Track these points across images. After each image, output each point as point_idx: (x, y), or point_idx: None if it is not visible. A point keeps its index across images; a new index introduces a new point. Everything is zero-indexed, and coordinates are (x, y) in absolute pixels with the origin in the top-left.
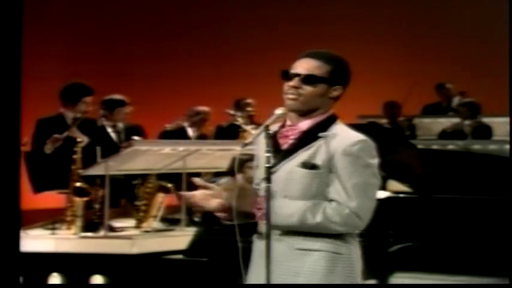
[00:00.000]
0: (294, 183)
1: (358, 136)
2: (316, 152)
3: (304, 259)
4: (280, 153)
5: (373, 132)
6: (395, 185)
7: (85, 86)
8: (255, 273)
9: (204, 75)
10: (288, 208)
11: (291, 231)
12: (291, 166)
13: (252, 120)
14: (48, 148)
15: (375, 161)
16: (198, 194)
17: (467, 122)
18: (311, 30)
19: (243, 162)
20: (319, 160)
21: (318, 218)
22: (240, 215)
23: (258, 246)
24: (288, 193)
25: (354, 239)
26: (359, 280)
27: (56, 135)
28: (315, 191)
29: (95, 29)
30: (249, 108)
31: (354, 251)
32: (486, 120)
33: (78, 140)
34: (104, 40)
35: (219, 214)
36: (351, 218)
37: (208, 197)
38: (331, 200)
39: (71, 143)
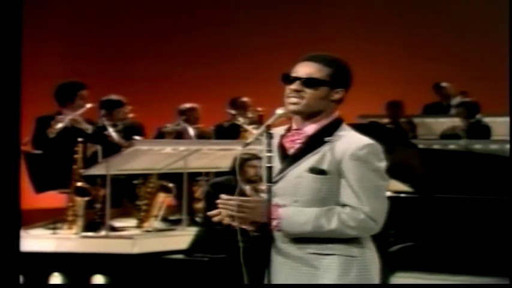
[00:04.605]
0: (302, 188)
1: (365, 140)
2: (324, 156)
3: (318, 263)
4: (287, 158)
5: (374, 131)
6: (396, 185)
7: (77, 81)
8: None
9: (203, 75)
10: (301, 216)
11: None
12: (299, 171)
13: (260, 120)
14: (52, 131)
15: (383, 164)
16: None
17: (464, 122)
18: (311, 31)
19: (244, 161)
20: (326, 165)
21: (333, 224)
22: (260, 226)
23: (275, 255)
24: (297, 198)
25: (369, 242)
26: (376, 282)
27: (61, 116)
28: (324, 195)
29: (95, 28)
30: (250, 108)
31: (369, 254)
32: (487, 120)
33: (83, 127)
34: (104, 40)
35: (247, 227)
36: (366, 222)
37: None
38: (344, 205)
39: (72, 139)
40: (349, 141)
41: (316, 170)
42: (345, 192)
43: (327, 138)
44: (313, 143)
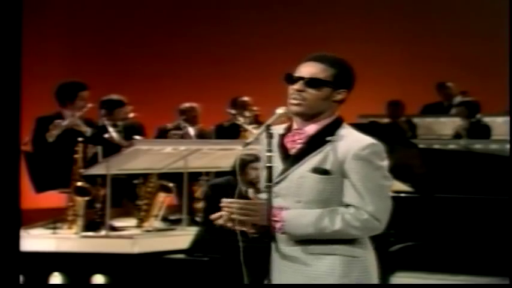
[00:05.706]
0: (306, 188)
1: (368, 140)
2: (326, 156)
3: (319, 263)
4: (289, 158)
5: (374, 131)
6: (396, 185)
7: (78, 82)
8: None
9: (204, 75)
10: (305, 217)
11: None
12: (302, 171)
13: (256, 119)
14: (51, 135)
15: (386, 163)
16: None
17: (465, 122)
18: (312, 31)
19: (246, 163)
20: (329, 165)
21: (337, 225)
22: (260, 228)
23: (277, 258)
24: (300, 198)
25: (368, 242)
26: (375, 282)
27: (59, 120)
28: (327, 195)
29: (95, 28)
30: (250, 108)
31: (369, 254)
32: (487, 119)
33: (82, 130)
34: (104, 40)
35: (248, 230)
36: (370, 222)
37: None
38: (347, 205)
39: (72, 139)
40: (352, 140)
41: (319, 170)
42: (348, 193)
43: (328, 138)
44: (314, 142)
